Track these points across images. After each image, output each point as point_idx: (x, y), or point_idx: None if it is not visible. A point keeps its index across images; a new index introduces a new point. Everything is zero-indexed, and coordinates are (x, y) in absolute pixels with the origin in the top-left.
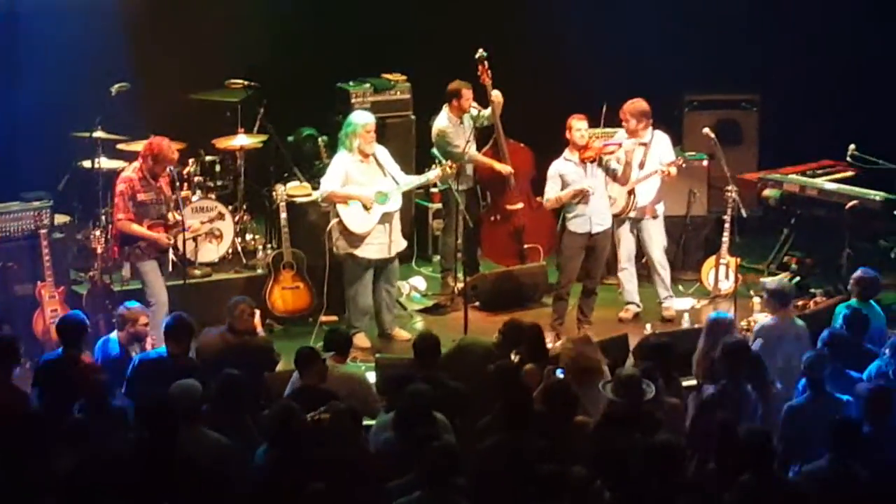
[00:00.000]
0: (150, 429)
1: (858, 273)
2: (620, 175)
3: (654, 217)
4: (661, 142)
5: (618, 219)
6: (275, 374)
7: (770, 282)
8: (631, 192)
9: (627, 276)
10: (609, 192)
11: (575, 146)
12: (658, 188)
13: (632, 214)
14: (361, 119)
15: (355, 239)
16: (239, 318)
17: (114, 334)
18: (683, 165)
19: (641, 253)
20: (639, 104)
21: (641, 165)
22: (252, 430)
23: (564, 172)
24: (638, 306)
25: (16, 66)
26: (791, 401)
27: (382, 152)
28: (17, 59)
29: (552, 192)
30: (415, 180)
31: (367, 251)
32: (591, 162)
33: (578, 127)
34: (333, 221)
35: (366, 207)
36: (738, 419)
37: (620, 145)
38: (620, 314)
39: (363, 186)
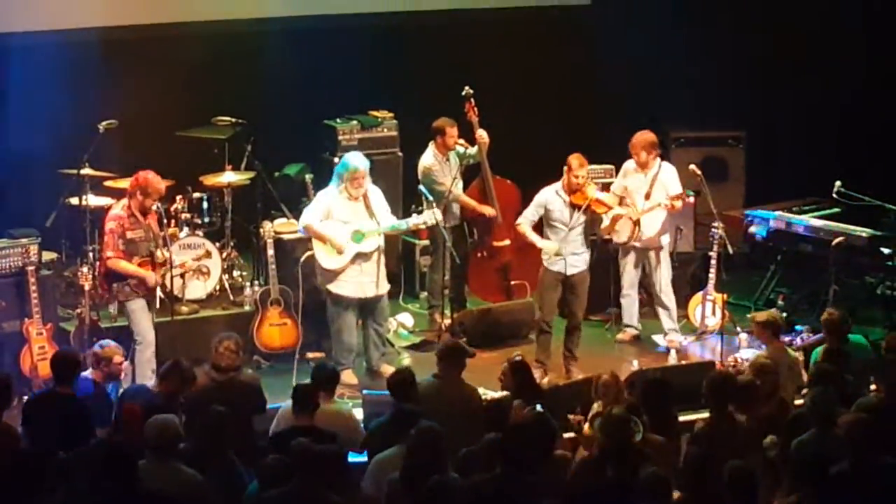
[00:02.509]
0: (106, 473)
1: (825, 316)
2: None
3: (660, 248)
4: (667, 173)
5: (623, 248)
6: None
7: (760, 314)
8: (636, 223)
9: (629, 301)
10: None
11: (569, 186)
12: (663, 220)
13: (637, 245)
14: (353, 164)
15: (330, 274)
16: (222, 356)
17: (88, 372)
18: (690, 199)
19: (643, 283)
20: (647, 136)
21: (647, 196)
22: (236, 467)
23: (551, 208)
24: (637, 329)
25: (3, 102)
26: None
27: (375, 193)
28: (4, 95)
29: (527, 218)
30: (397, 225)
31: (343, 288)
32: (578, 209)
33: (577, 173)
34: (308, 254)
35: (338, 251)
36: (728, 453)
37: (609, 208)
38: (619, 336)
39: (346, 224)
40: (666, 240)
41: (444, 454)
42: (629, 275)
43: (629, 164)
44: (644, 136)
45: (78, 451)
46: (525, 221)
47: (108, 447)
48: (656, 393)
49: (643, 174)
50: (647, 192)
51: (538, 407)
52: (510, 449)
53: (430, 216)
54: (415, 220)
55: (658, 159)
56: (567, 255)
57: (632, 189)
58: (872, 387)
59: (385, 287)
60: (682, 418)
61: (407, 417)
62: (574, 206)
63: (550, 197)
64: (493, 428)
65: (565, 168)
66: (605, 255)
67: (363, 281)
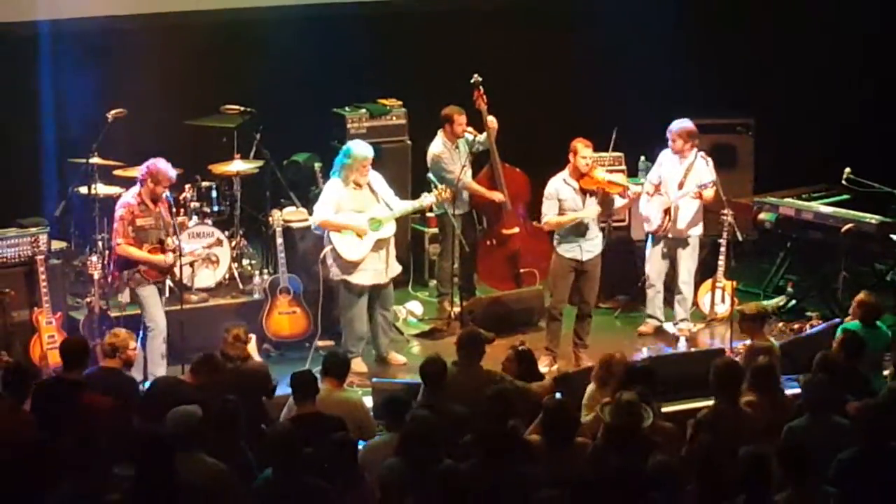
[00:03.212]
0: (145, 462)
1: (861, 296)
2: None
3: (688, 239)
4: (701, 163)
5: (654, 236)
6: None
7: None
8: (667, 212)
9: (653, 292)
10: (644, 210)
11: (576, 172)
12: (696, 211)
13: (668, 235)
14: (360, 153)
15: (349, 265)
16: (231, 345)
17: (105, 363)
18: (714, 187)
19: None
20: (687, 126)
21: (680, 186)
22: (247, 455)
23: (563, 197)
24: (659, 321)
25: (11, 91)
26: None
27: (377, 178)
28: (12, 84)
29: (550, 213)
30: (408, 206)
31: (361, 277)
32: (590, 195)
33: (584, 154)
34: (327, 248)
35: (359, 235)
36: (735, 440)
37: (625, 188)
38: (641, 328)
39: (356, 213)
40: (696, 231)
41: (437, 442)
42: (657, 265)
43: (665, 154)
44: (683, 126)
45: (88, 438)
46: (549, 216)
47: (147, 438)
48: (635, 381)
49: (679, 163)
50: (681, 182)
51: (557, 394)
52: (514, 437)
53: (433, 196)
54: (428, 200)
55: (695, 149)
56: (581, 241)
57: (666, 177)
58: (885, 372)
59: (396, 269)
60: (691, 406)
61: (400, 406)
62: (585, 192)
63: (559, 186)
64: (496, 417)
65: (570, 153)
66: (615, 242)
67: (379, 268)
